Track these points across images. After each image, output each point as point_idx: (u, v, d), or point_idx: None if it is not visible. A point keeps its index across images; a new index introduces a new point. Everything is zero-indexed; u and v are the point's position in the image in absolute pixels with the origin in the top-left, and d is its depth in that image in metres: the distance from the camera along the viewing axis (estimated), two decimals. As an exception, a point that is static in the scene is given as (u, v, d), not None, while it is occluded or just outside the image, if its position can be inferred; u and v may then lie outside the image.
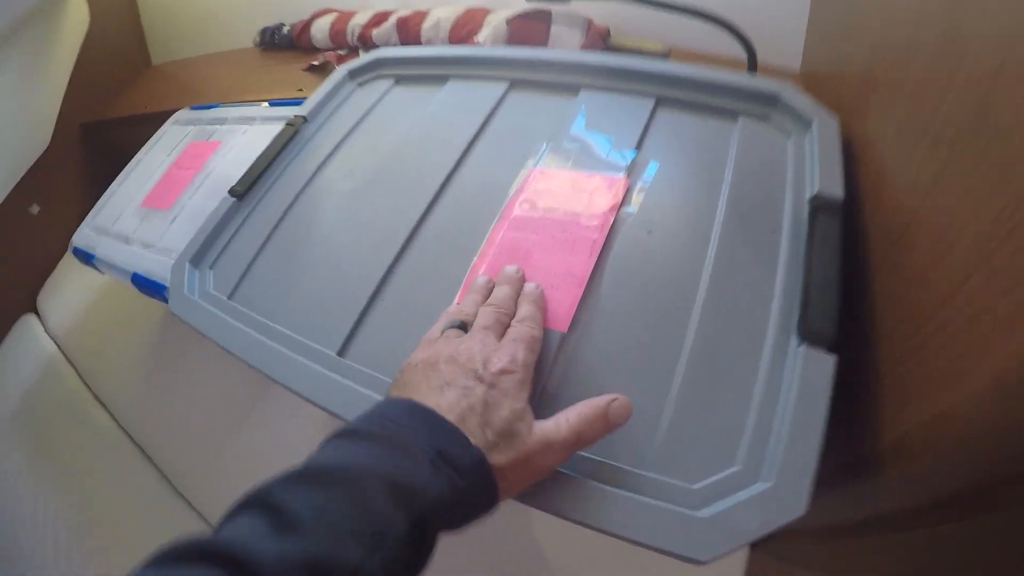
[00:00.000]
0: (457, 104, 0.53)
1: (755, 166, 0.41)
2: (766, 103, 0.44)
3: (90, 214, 0.76)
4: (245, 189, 0.52)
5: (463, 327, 0.33)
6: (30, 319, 0.93)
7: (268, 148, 0.54)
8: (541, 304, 0.35)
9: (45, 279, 0.98)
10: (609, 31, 0.70)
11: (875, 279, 0.34)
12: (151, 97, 1.08)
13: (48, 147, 0.99)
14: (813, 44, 0.60)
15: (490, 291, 0.36)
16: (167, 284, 0.60)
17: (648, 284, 0.36)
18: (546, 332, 0.35)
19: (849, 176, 0.38)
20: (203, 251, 0.50)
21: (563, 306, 0.36)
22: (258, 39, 1.01)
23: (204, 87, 1.00)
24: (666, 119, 0.47)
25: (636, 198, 0.41)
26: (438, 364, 0.30)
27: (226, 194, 0.53)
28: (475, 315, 0.34)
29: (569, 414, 0.29)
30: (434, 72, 0.57)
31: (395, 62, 0.59)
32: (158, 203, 0.70)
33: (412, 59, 0.58)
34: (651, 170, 0.42)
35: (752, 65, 0.57)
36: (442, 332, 0.33)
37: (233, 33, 1.06)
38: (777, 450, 0.28)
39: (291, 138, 0.55)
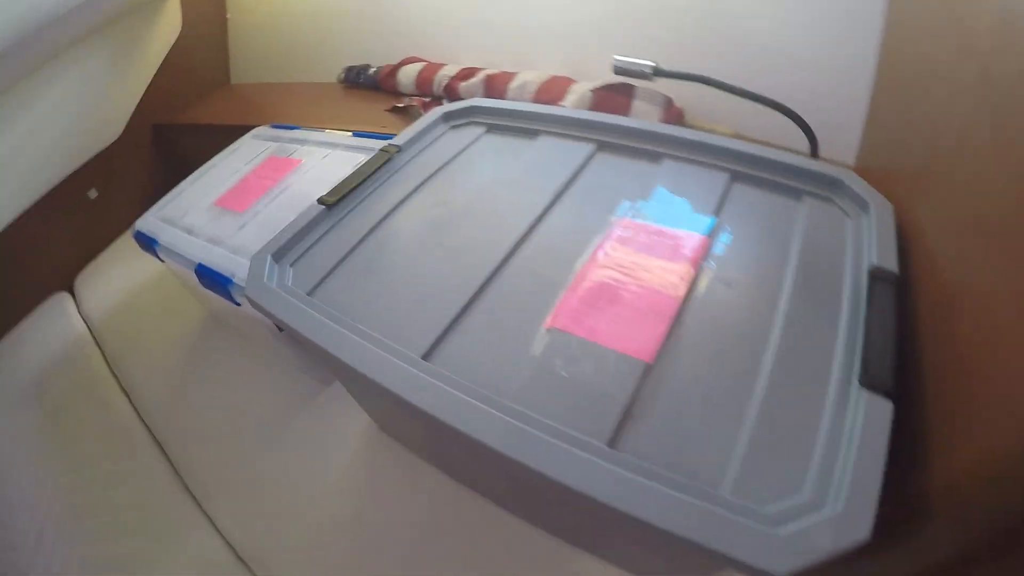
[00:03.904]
0: (547, 156, 0.57)
1: (819, 240, 0.45)
2: (830, 186, 0.49)
3: (157, 204, 0.78)
4: (336, 200, 0.55)
5: None
6: (63, 297, 0.93)
7: (362, 167, 0.57)
8: None
9: (86, 262, 0.99)
10: (684, 112, 0.75)
11: (927, 349, 0.37)
12: (225, 112, 1.13)
13: (117, 139, 1.04)
14: (869, 141, 0.65)
15: None
16: (233, 278, 0.63)
17: (727, 329, 0.39)
18: (630, 360, 0.37)
19: (903, 261, 0.41)
20: (285, 249, 0.52)
21: (649, 338, 0.38)
22: (343, 76, 1.07)
23: (281, 111, 1.05)
24: (740, 192, 0.51)
25: (715, 256, 0.44)
26: None
27: (314, 202, 0.55)
28: None
29: None
30: (525, 125, 0.61)
31: (489, 111, 0.63)
32: (232, 205, 0.72)
33: (506, 111, 0.63)
34: (728, 233, 0.46)
35: (814, 152, 0.61)
36: None
37: (316, 66, 1.13)
38: (842, 482, 0.30)
39: (384, 163, 0.58)
